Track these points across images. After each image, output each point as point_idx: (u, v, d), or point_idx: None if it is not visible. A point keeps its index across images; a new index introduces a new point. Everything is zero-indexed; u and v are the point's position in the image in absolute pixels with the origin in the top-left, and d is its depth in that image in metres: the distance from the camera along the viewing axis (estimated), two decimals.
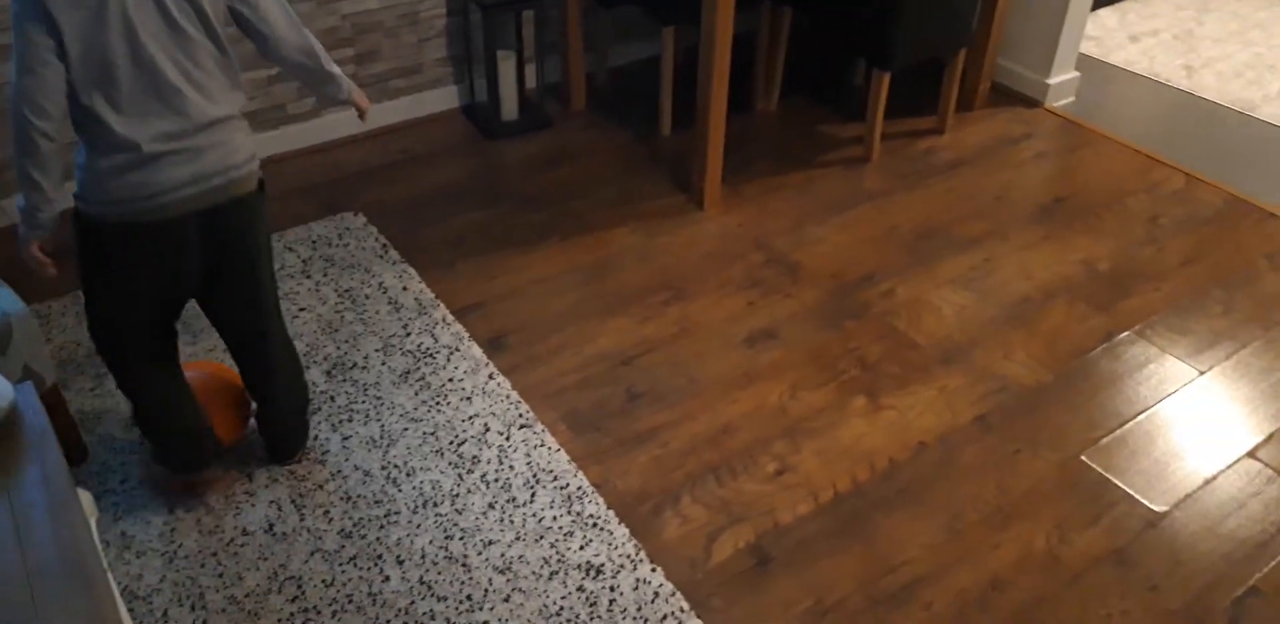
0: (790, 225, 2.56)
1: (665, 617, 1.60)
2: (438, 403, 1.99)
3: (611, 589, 1.64)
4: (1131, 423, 1.97)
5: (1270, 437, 1.95)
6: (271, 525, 1.74)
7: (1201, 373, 2.10)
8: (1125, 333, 2.20)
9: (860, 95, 3.10)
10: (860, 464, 1.90)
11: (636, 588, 1.64)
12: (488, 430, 1.93)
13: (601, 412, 2.00)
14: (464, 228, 2.53)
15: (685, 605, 1.62)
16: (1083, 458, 1.90)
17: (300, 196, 2.61)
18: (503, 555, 1.70)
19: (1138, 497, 1.82)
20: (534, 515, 1.76)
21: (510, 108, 2.94)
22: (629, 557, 1.69)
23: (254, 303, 1.64)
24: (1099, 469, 1.87)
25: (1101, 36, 3.48)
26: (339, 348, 2.12)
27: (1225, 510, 1.80)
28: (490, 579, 1.66)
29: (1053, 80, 3.02)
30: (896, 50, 2.63)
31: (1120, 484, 1.85)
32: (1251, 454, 1.92)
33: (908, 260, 2.43)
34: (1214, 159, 2.81)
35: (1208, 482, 1.86)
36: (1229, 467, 1.89)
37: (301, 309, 2.22)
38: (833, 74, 3.26)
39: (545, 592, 1.63)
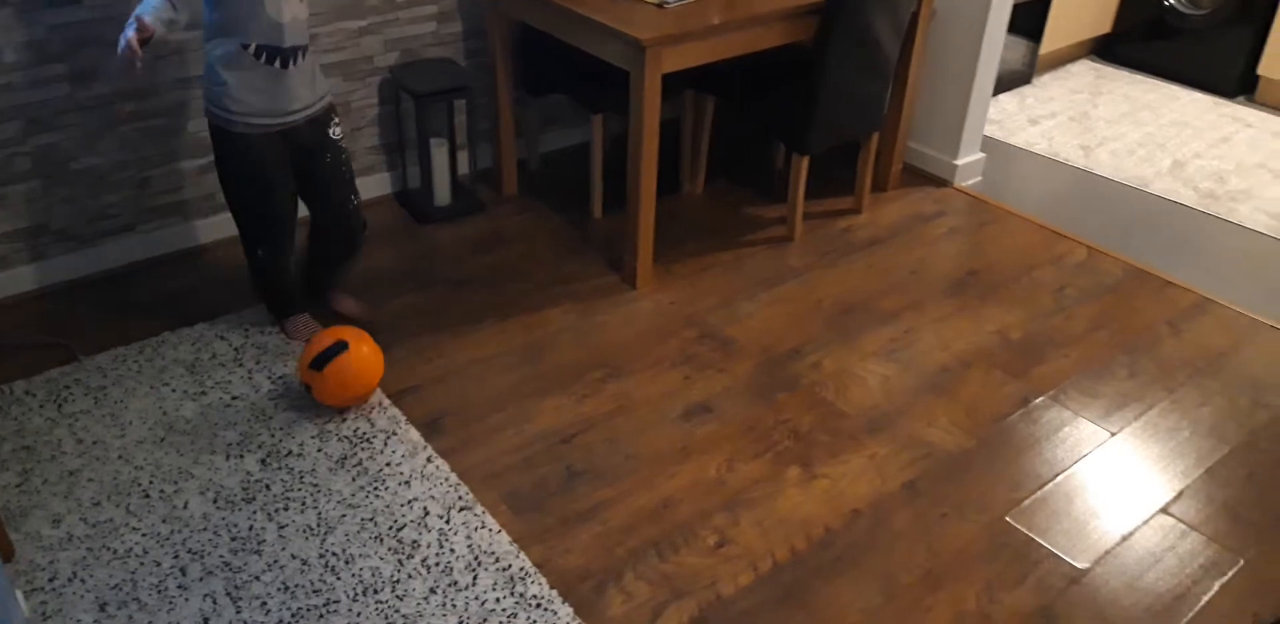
0: (721, 302, 2.65)
1: None
2: (375, 488, 1.98)
3: None
4: (1051, 484, 2.06)
5: (1180, 493, 2.06)
6: (206, 620, 1.69)
7: (1113, 434, 2.21)
8: (1040, 398, 2.31)
9: (781, 178, 3.26)
10: (797, 533, 1.94)
11: None
12: (427, 514, 1.92)
13: (542, 491, 2.01)
14: (399, 311, 2.56)
15: None
16: (1007, 519, 1.97)
17: (233, 285, 2.62)
18: None
19: (1061, 555, 1.89)
20: (476, 599, 1.75)
21: (443, 193, 3.02)
22: None
23: None
24: (1023, 529, 1.94)
25: (1003, 120, 3.75)
26: (273, 435, 2.11)
27: (1144, 565, 1.88)
28: None
29: (960, 161, 3.23)
30: (813, 136, 2.80)
31: (1044, 543, 1.92)
32: (1164, 510, 2.01)
33: (833, 334, 2.53)
34: (1113, 232, 3.01)
35: (1125, 538, 1.94)
36: (1144, 523, 1.98)
37: (234, 398, 2.21)
38: (755, 158, 3.43)
39: None
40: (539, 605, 1.73)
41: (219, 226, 2.80)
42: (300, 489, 1.97)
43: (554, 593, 1.76)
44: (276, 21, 1.98)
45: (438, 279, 2.72)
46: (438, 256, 2.84)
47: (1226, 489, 2.07)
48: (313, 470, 2.02)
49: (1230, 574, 1.86)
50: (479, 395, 2.27)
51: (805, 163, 2.85)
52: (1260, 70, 3.84)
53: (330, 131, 2.22)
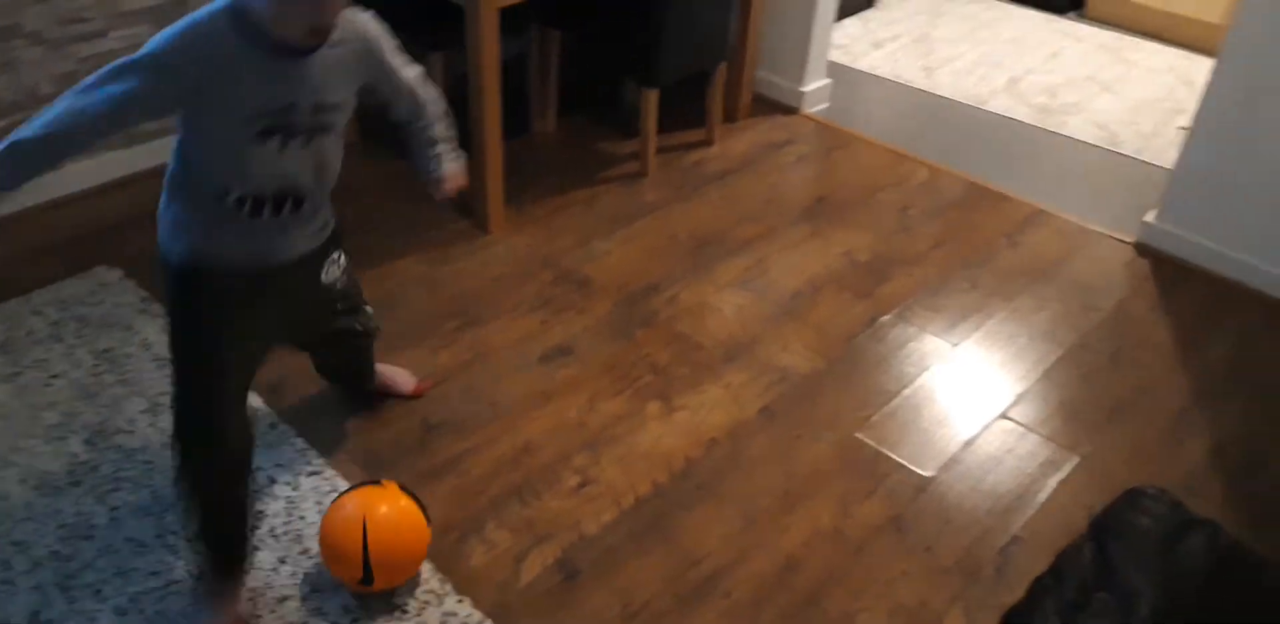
0: (577, 242, 2.61)
1: None
2: None
3: None
4: (898, 398, 2.13)
5: (1019, 397, 2.16)
6: (37, 614, 1.59)
7: (955, 346, 2.30)
8: (887, 316, 2.37)
9: (633, 113, 3.20)
10: (659, 467, 1.95)
11: (444, 622, 1.61)
12: (273, 482, 1.85)
13: (397, 447, 1.95)
14: None
15: None
16: (857, 435, 2.03)
17: (45, 255, 2.41)
18: (299, 610, 1.62)
19: (909, 465, 1.97)
20: None
21: None
22: (434, 592, 1.66)
23: None
24: (872, 444, 2.01)
25: (848, 44, 3.76)
26: (99, 414, 1.97)
27: (985, 468, 1.98)
28: None
29: (807, 88, 3.23)
30: (661, 68, 2.74)
31: (892, 455, 1.99)
32: (1004, 415, 2.11)
33: (689, 267, 2.53)
34: (953, 151, 3.08)
35: (968, 444, 2.03)
36: (985, 428, 2.07)
37: (53, 376, 2.05)
38: (606, 93, 3.35)
39: None
40: None
41: (21, 193, 2.55)
42: (132, 468, 1.85)
43: None
44: (285, 172, 1.40)
45: None
46: None
47: (1062, 390, 2.18)
48: (145, 447, 1.90)
49: (1067, 471, 1.98)
50: None
51: (655, 96, 2.79)
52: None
53: (324, 273, 1.63)
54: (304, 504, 1.81)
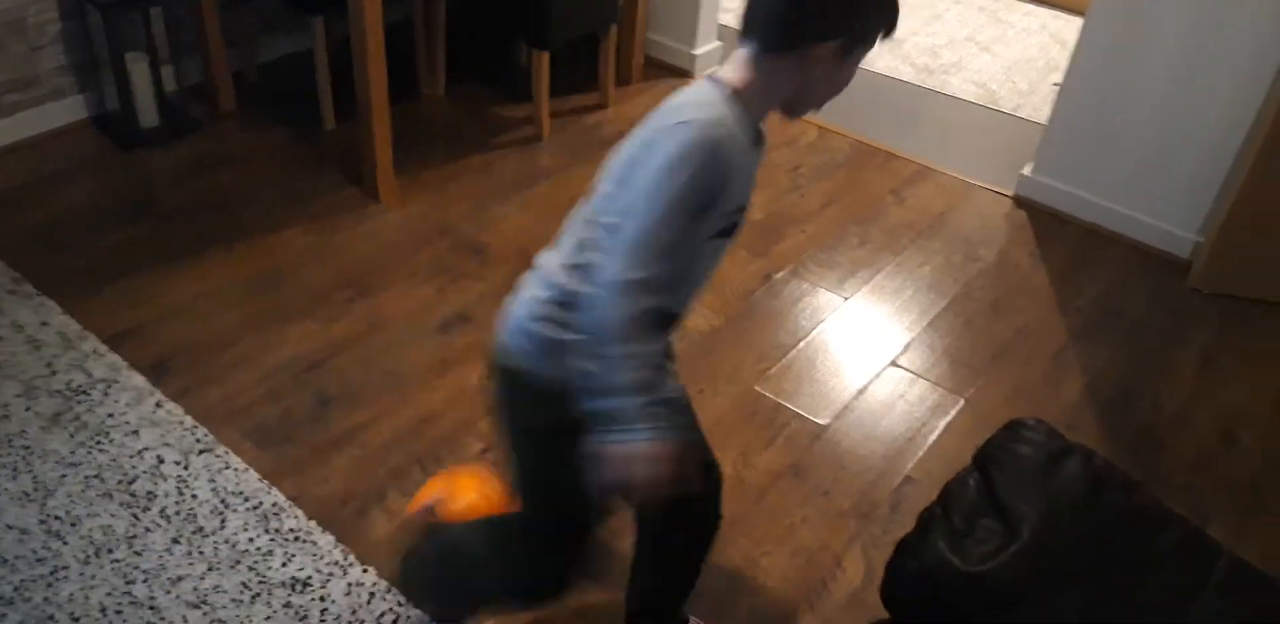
0: (473, 208, 2.56)
1: (382, 614, 1.57)
2: (99, 442, 1.80)
3: (322, 599, 1.58)
4: (794, 351, 2.19)
5: (907, 345, 2.24)
6: None
7: (846, 299, 2.36)
8: (781, 273, 2.42)
9: (525, 76, 3.14)
10: None
11: (349, 593, 1.59)
12: (162, 462, 1.78)
13: (291, 422, 1.90)
14: (110, 249, 2.30)
15: (403, 599, 1.59)
16: (756, 388, 2.08)
17: None
18: (195, 589, 1.58)
19: (805, 415, 2.03)
20: (226, 542, 1.65)
21: (149, 114, 2.69)
22: (337, 563, 1.64)
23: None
24: (771, 396, 2.06)
25: (738, 7, 3.77)
26: None
27: (878, 415, 2.05)
28: (184, 616, 1.54)
29: (698, 51, 3.23)
30: (551, 30, 2.70)
31: (790, 406, 2.04)
32: (894, 363, 2.19)
33: None
34: (841, 111, 3.11)
35: (861, 392, 2.10)
36: (876, 376, 2.15)
37: None
38: (497, 57, 3.28)
39: (248, 617, 1.54)
40: (297, 538, 1.66)
41: None
42: (9, 454, 1.76)
43: (312, 524, 1.69)
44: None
45: (152, 210, 2.45)
46: (150, 184, 2.55)
47: (947, 338, 2.27)
48: (22, 432, 1.81)
49: (953, 414, 2.07)
50: (210, 331, 2.09)
51: (546, 59, 2.75)
52: None
53: None
54: (195, 483, 1.75)
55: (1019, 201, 2.75)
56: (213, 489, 1.74)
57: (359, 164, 2.58)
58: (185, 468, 1.77)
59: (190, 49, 2.87)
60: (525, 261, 2.45)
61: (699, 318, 2.25)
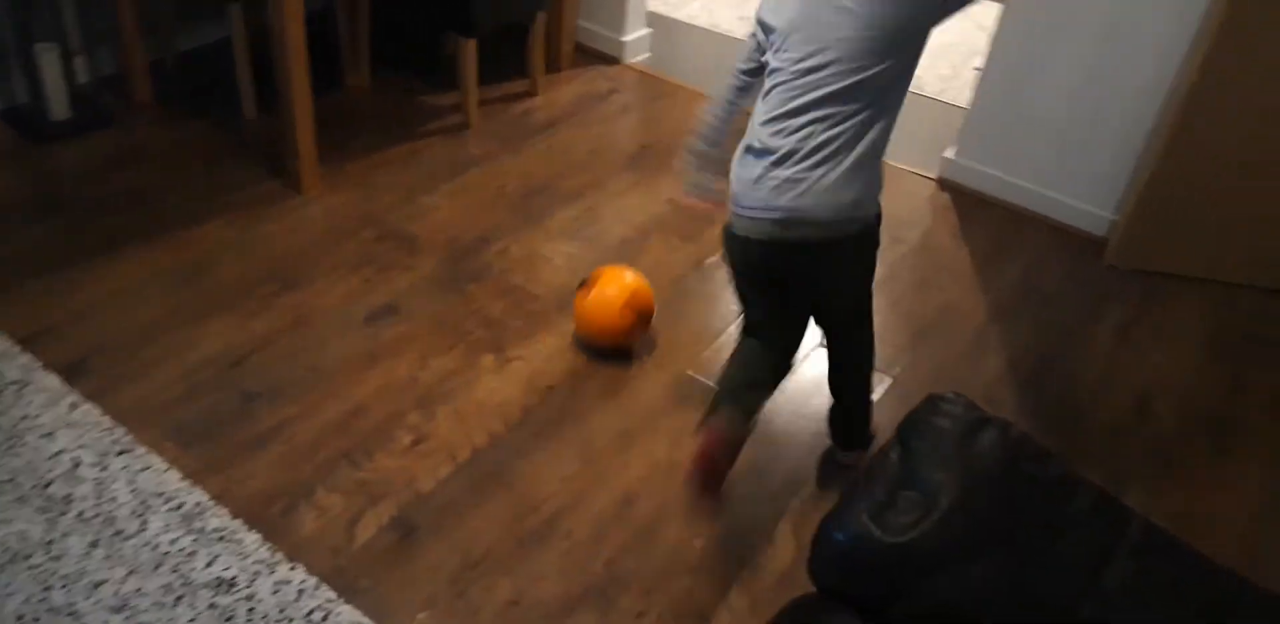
0: (400, 198, 2.53)
1: (312, 611, 1.55)
2: (11, 446, 1.74)
3: (249, 598, 1.55)
4: (725, 335, 2.20)
5: None
6: None
7: None
8: (712, 258, 2.43)
9: (453, 64, 3.10)
10: (494, 418, 1.94)
11: (277, 591, 1.57)
12: (78, 465, 1.73)
13: (213, 420, 1.86)
14: (19, 247, 2.22)
15: (332, 595, 1.58)
16: (689, 372, 2.09)
17: None
18: (116, 593, 1.54)
19: None
20: (147, 544, 1.61)
21: (60, 106, 2.60)
22: (264, 562, 1.61)
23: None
24: (703, 379, 2.07)
25: None
26: None
27: (807, 393, 2.07)
28: (106, 621, 1.50)
29: (628, 38, 3.22)
30: (477, 17, 2.66)
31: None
32: (822, 344, 2.21)
33: (518, 219, 2.50)
34: None
35: (791, 373, 2.12)
36: (806, 357, 2.15)
37: None
38: (423, 44, 3.23)
39: (171, 620, 1.51)
40: (221, 538, 1.63)
41: None
42: None
43: (237, 523, 1.66)
44: None
45: (65, 205, 2.37)
46: (63, 179, 2.46)
47: (876, 318, 2.30)
48: None
49: (881, 391, 2.11)
50: (128, 328, 2.03)
51: (473, 46, 2.71)
52: None
53: None
54: (114, 485, 1.70)
55: (943, 184, 2.80)
56: (132, 491, 1.69)
57: (282, 155, 2.53)
58: (103, 470, 1.72)
59: (104, 38, 2.77)
60: (455, 251, 2.43)
61: None
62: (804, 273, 1.63)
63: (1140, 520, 1.47)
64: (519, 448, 1.89)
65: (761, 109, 1.54)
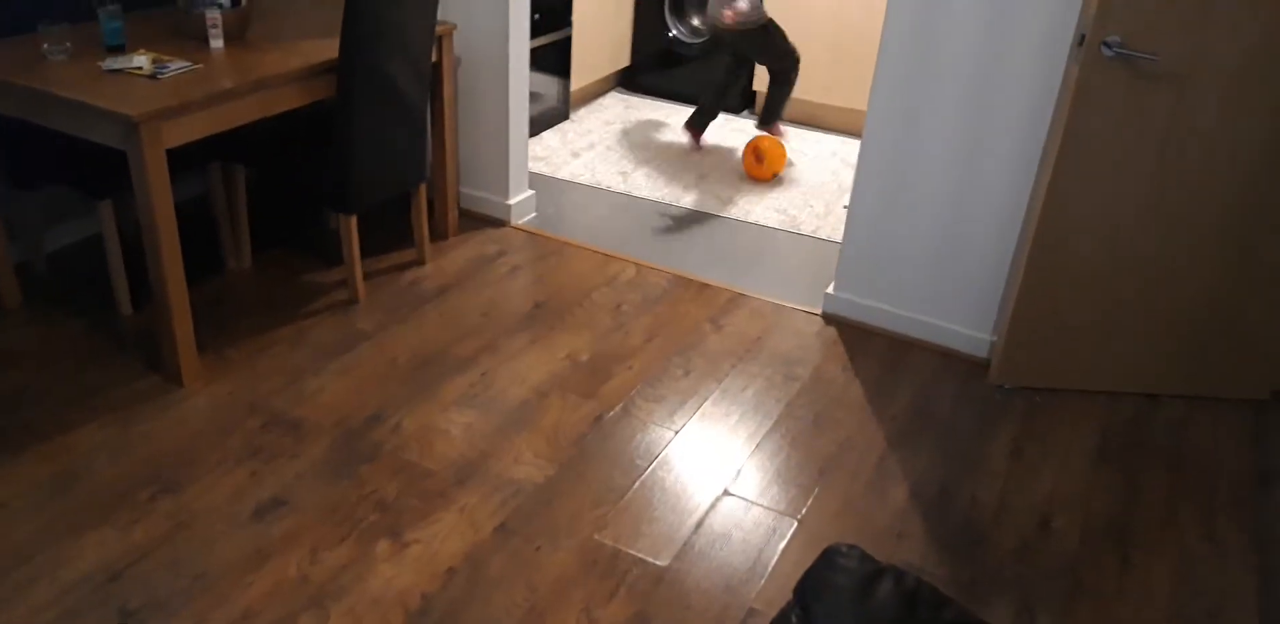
0: (286, 381, 2.48)
1: None
2: None
3: None
4: (630, 492, 2.17)
5: (738, 473, 2.27)
6: None
7: (676, 433, 2.39)
8: (612, 412, 2.44)
9: (337, 239, 3.15)
10: (394, 610, 1.84)
11: None
12: None
13: None
14: None
15: None
16: (595, 537, 2.03)
17: None
18: None
19: (646, 558, 1.99)
20: None
21: None
22: None
23: None
24: (610, 543, 2.02)
25: (549, 155, 3.96)
26: None
27: (716, 547, 2.04)
28: None
29: (512, 200, 3.34)
30: (354, 194, 2.73)
31: (630, 551, 2.00)
32: (727, 492, 2.20)
33: (411, 391, 2.47)
34: (656, 247, 3.29)
35: (698, 526, 2.09)
36: (712, 508, 2.15)
37: None
38: (306, 222, 3.29)
39: None
40: None
41: None
42: None
43: None
44: None
45: None
46: None
47: (776, 459, 2.32)
48: None
49: (788, 536, 2.08)
50: (0, 548, 1.89)
51: (354, 222, 2.77)
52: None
53: None
54: None
55: (828, 318, 2.90)
56: None
57: (159, 348, 2.47)
58: None
59: None
60: (346, 432, 2.38)
61: (532, 469, 2.22)
62: None
63: None
64: None
65: None
